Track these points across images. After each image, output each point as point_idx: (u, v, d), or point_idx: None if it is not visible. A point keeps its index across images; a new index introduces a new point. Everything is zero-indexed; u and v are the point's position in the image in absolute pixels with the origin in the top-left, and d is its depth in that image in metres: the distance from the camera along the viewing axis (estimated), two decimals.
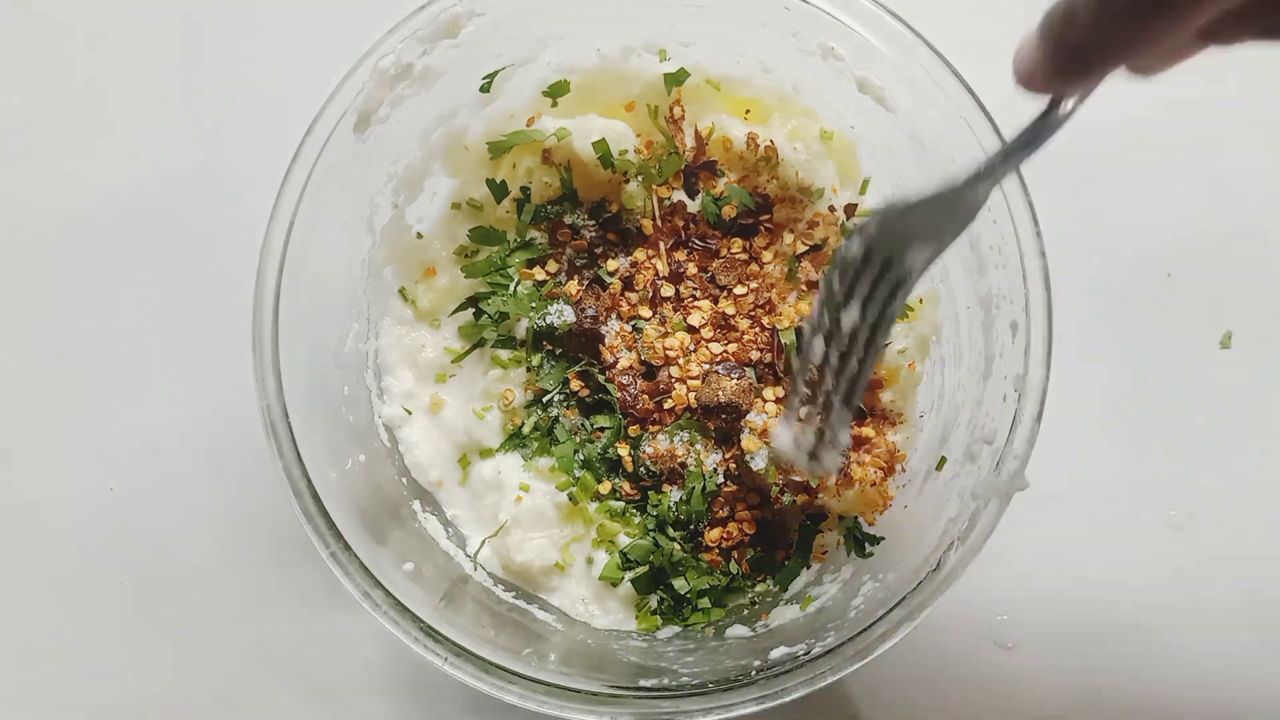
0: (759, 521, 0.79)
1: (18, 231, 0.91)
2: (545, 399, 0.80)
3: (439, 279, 0.81)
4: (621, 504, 0.79)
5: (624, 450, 0.78)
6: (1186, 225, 0.93)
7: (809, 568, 0.79)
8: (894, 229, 0.56)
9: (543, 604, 0.78)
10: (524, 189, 0.81)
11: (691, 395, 0.77)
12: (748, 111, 0.81)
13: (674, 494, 0.78)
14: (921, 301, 0.79)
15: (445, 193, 0.82)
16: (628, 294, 0.81)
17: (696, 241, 0.81)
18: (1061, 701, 0.80)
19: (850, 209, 0.81)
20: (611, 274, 0.81)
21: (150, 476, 0.87)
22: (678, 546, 0.78)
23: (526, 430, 0.80)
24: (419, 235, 0.81)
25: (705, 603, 0.77)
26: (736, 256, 0.80)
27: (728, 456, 0.78)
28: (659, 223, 0.81)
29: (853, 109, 0.76)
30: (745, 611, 0.78)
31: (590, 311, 0.79)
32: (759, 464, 0.76)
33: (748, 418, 0.77)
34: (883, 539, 0.76)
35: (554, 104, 0.80)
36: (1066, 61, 0.48)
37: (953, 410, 0.75)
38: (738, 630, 0.76)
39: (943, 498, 0.71)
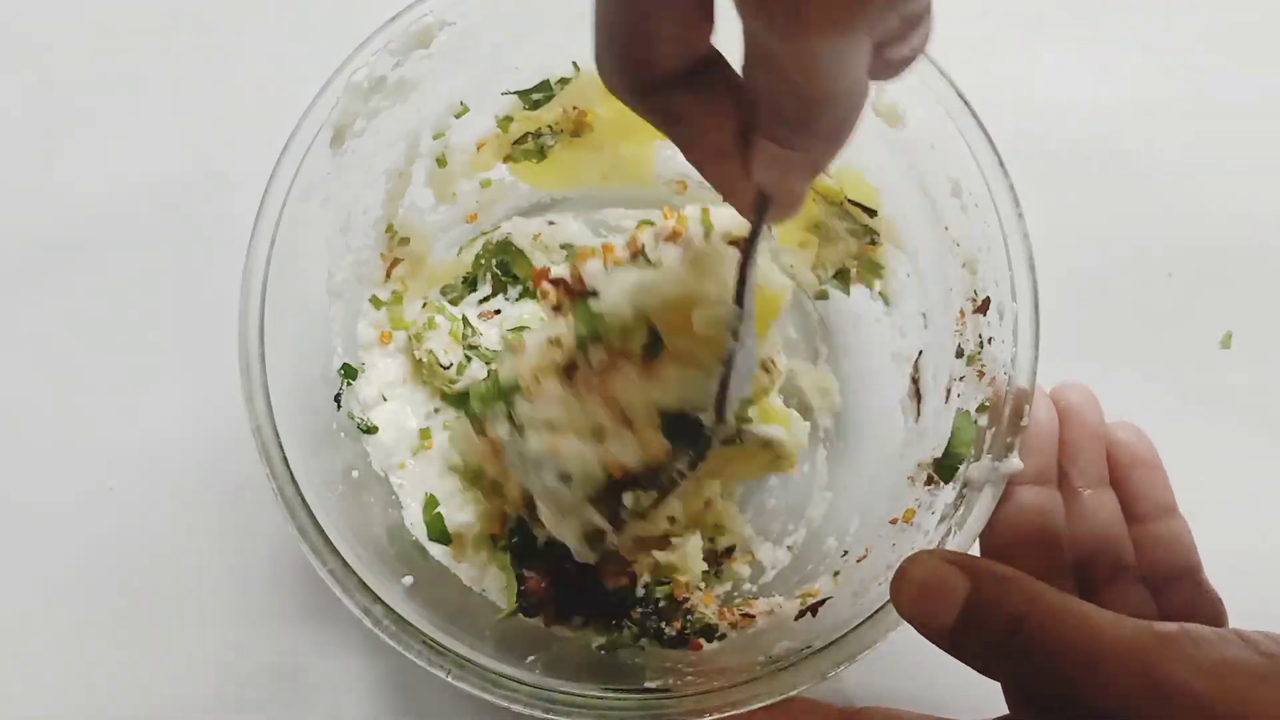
0: None
1: (17, 231, 0.92)
2: None
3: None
4: None
5: None
6: (1186, 225, 0.93)
7: None
8: None
9: None
10: None
11: None
12: None
13: None
14: None
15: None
16: None
17: None
18: None
19: None
20: None
21: (150, 477, 0.87)
22: None
23: None
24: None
25: None
26: None
27: None
28: None
29: None
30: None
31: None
32: None
33: None
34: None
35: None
36: None
37: (943, 402, 0.74)
38: None
39: (938, 486, 0.71)
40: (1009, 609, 0.52)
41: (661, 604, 0.77)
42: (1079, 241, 0.92)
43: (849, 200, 0.79)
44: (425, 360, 0.80)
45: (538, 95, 0.80)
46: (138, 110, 0.95)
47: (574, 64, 0.78)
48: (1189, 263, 0.93)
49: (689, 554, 0.77)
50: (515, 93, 0.79)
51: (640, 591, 0.77)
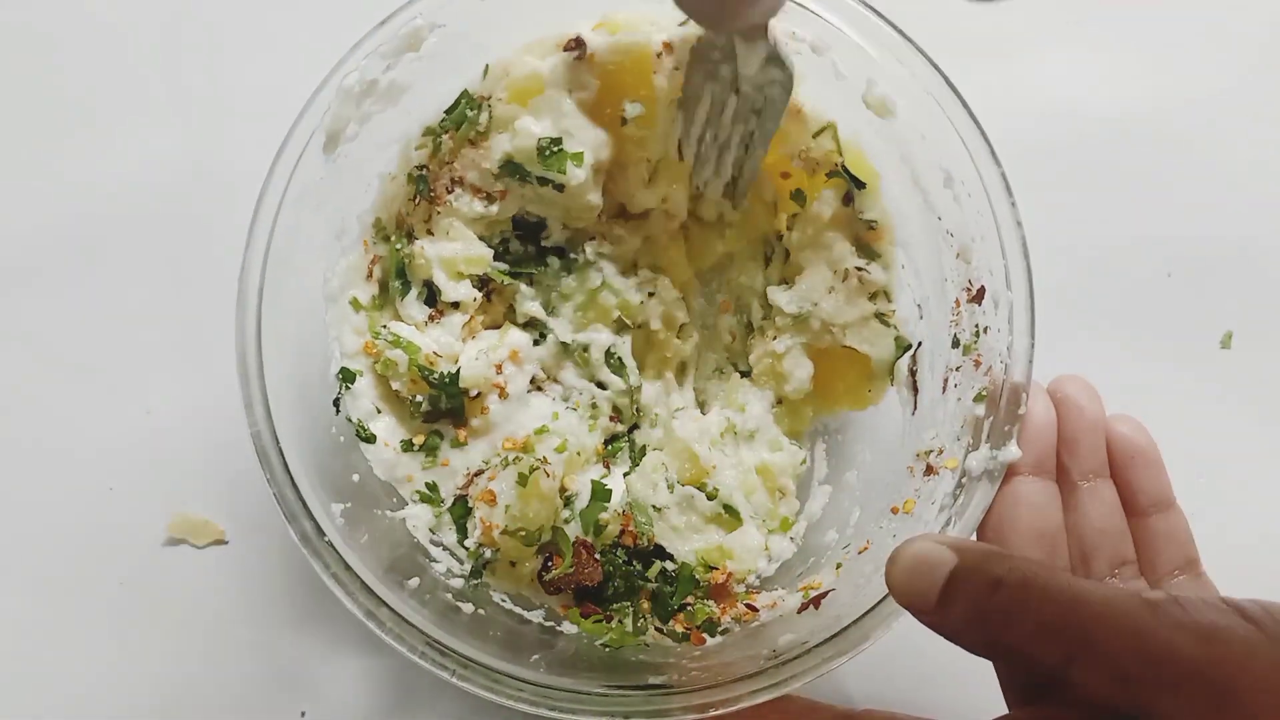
0: None
1: (15, 234, 0.92)
2: None
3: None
4: None
5: None
6: (1186, 225, 0.94)
7: None
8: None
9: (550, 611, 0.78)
10: None
11: None
12: None
13: None
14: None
15: None
16: None
17: None
18: None
19: None
20: None
21: (150, 477, 0.88)
22: None
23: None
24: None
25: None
26: None
27: None
28: None
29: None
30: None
31: None
32: None
33: None
34: None
35: None
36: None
37: (940, 393, 0.75)
38: None
39: (937, 476, 0.71)
40: (989, 573, 0.52)
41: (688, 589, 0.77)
42: (1080, 242, 0.92)
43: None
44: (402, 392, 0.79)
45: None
46: (134, 114, 0.95)
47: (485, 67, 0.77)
48: (1189, 263, 0.93)
49: (747, 544, 0.77)
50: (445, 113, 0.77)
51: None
